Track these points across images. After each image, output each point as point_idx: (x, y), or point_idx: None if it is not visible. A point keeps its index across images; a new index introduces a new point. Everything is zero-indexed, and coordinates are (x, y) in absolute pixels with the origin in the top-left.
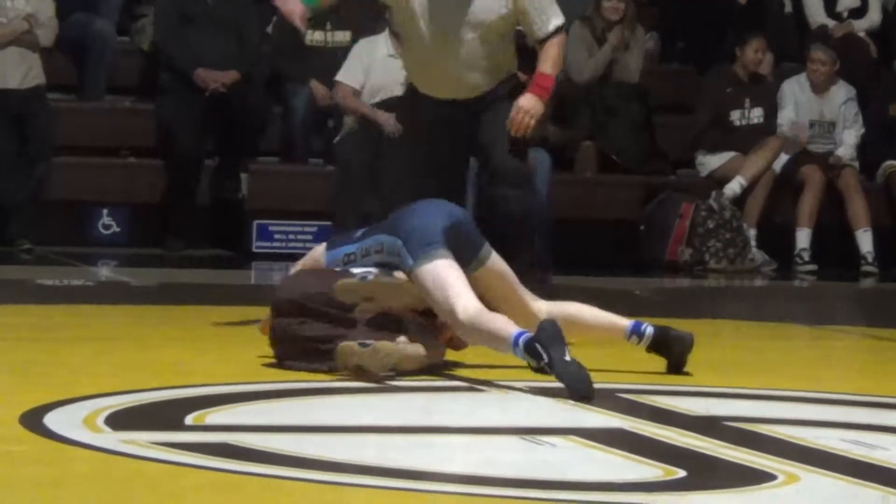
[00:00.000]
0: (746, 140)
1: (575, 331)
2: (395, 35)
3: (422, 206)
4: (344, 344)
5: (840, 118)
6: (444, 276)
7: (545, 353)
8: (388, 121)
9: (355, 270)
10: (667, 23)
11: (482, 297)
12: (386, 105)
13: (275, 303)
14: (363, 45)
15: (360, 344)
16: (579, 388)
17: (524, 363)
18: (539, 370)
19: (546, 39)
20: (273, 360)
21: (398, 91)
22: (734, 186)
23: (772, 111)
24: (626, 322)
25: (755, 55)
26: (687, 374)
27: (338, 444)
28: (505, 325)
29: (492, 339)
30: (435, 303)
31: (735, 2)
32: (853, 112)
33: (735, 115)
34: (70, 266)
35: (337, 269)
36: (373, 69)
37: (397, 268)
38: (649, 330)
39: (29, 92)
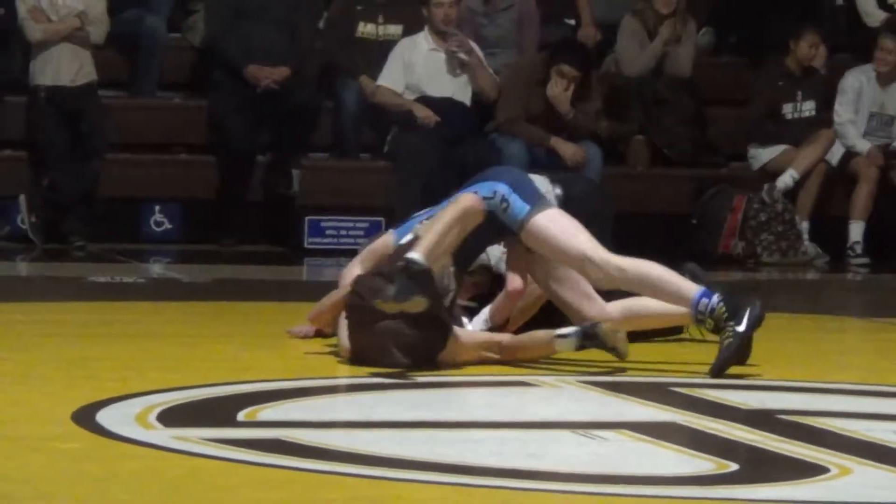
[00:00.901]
0: (798, 133)
1: (644, 289)
2: (436, 31)
3: (501, 167)
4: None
5: None
6: (570, 222)
7: (746, 318)
8: (426, 114)
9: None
10: (720, 15)
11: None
12: (427, 100)
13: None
14: (404, 43)
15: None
16: (728, 363)
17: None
18: (717, 328)
19: None
20: (324, 355)
21: (440, 85)
22: (786, 179)
23: (824, 104)
24: (693, 288)
25: (809, 50)
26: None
27: (389, 439)
28: (671, 276)
29: (652, 286)
30: (560, 247)
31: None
32: None
33: (787, 108)
34: (122, 263)
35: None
36: (414, 66)
37: (492, 223)
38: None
39: (81, 89)
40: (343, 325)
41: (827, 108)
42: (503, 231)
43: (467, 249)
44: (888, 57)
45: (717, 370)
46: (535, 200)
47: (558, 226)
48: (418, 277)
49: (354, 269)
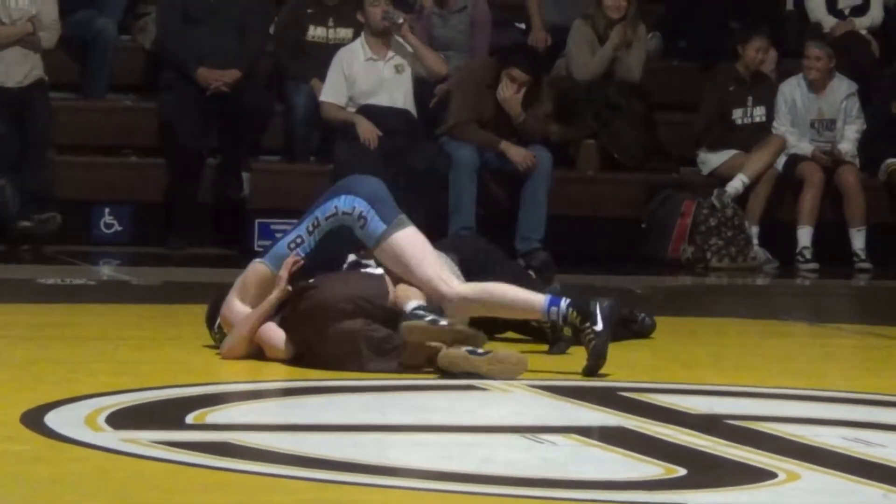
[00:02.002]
0: (749, 138)
1: (497, 310)
2: (374, 36)
3: (359, 177)
4: (450, 351)
5: (841, 114)
6: (424, 247)
7: (598, 316)
8: (367, 132)
9: (425, 314)
10: (669, 20)
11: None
12: (370, 109)
13: (325, 307)
14: (341, 55)
15: (470, 351)
16: (599, 363)
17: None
18: (577, 332)
19: None
20: (270, 360)
21: (381, 95)
22: (736, 184)
23: (771, 109)
24: (541, 300)
25: (756, 54)
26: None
27: (337, 442)
28: (517, 292)
29: (509, 306)
30: (412, 271)
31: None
32: (855, 107)
33: (737, 114)
34: (72, 265)
35: (352, 263)
36: (354, 76)
37: (350, 231)
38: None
39: (29, 89)
40: (272, 332)
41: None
42: (359, 243)
43: (326, 260)
44: (816, 64)
45: (590, 371)
46: (392, 218)
47: (411, 249)
48: None
49: (235, 305)
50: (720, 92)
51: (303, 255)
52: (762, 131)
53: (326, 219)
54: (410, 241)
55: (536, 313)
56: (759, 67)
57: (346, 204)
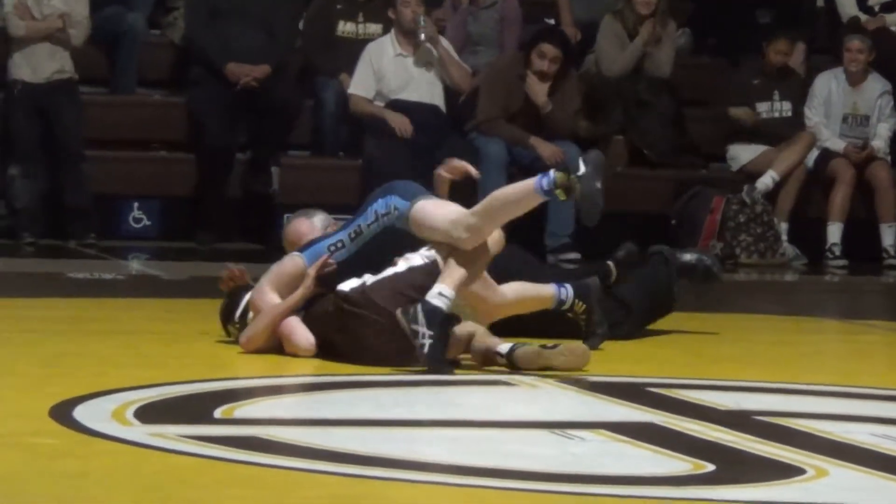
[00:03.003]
0: (775, 132)
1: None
2: (403, 32)
3: (398, 181)
4: (527, 348)
5: (875, 111)
6: (443, 202)
7: (583, 163)
8: (401, 124)
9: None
10: (699, 17)
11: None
12: (399, 105)
13: (366, 304)
14: (371, 49)
15: (542, 346)
16: (592, 210)
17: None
18: (568, 188)
19: None
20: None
21: (410, 91)
22: (766, 181)
23: (801, 104)
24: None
25: (776, 56)
26: None
27: (366, 437)
28: (515, 185)
29: (509, 203)
30: (436, 225)
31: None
32: (889, 106)
33: (763, 108)
34: (101, 259)
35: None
36: (383, 72)
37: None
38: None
39: (58, 85)
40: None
41: (800, 110)
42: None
43: (377, 263)
44: (859, 56)
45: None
46: (419, 195)
47: (432, 205)
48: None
49: (266, 292)
50: (745, 85)
51: (341, 259)
52: (789, 126)
53: (368, 226)
54: (431, 203)
55: (531, 194)
56: (785, 63)
57: (382, 206)
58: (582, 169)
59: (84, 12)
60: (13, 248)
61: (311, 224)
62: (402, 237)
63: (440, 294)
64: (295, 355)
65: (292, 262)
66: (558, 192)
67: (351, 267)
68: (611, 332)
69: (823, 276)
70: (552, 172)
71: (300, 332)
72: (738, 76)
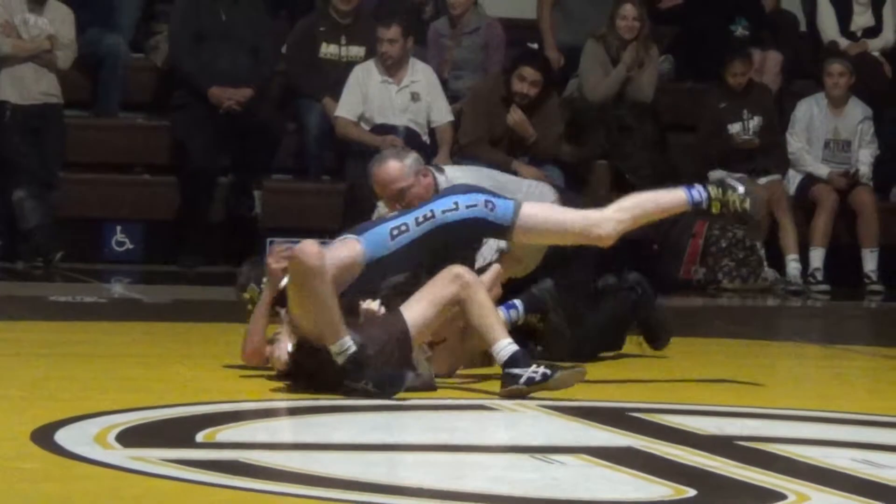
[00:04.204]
0: (753, 152)
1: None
2: (384, 61)
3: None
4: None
5: (857, 136)
6: (555, 207)
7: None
8: (391, 142)
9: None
10: (681, 41)
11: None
12: (383, 130)
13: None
14: (358, 72)
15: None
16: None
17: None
18: (724, 203)
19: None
20: (281, 379)
21: (392, 117)
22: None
23: (771, 116)
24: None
25: (734, 79)
26: None
27: (347, 461)
28: (658, 194)
29: (658, 208)
30: (564, 227)
31: (750, 20)
32: (870, 131)
33: (735, 128)
34: (83, 283)
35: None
36: (369, 96)
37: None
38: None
39: (45, 109)
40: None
41: (775, 120)
42: (484, 235)
43: (445, 256)
44: (839, 80)
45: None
46: (520, 196)
47: (547, 208)
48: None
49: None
50: (713, 111)
51: (400, 244)
52: (765, 143)
53: (443, 212)
54: (540, 206)
55: (683, 205)
56: (745, 81)
57: (468, 199)
58: (740, 189)
59: (71, 35)
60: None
61: (402, 168)
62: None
63: (337, 355)
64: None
65: (348, 248)
66: (714, 204)
67: (396, 262)
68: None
69: (806, 301)
70: (704, 187)
71: (282, 346)
72: (707, 103)
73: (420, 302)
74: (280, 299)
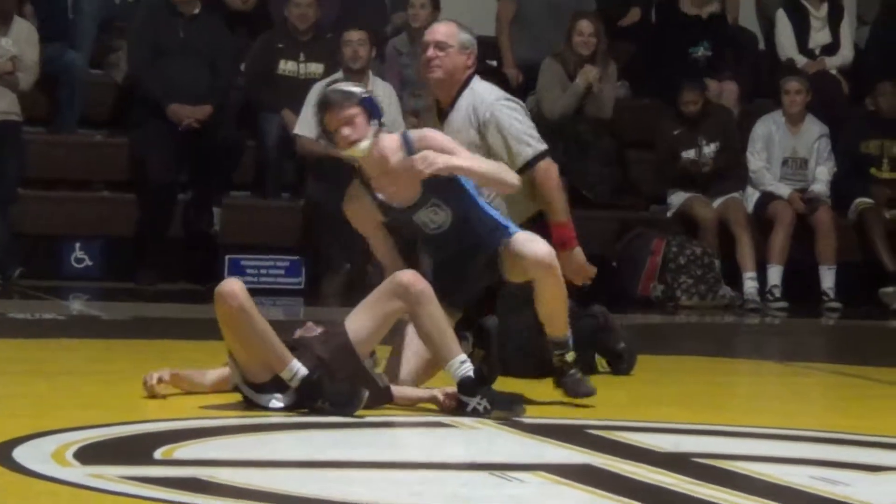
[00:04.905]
0: (709, 175)
1: None
2: (351, 74)
3: None
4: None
5: (814, 154)
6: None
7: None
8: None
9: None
10: (638, 59)
11: None
12: None
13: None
14: (317, 89)
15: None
16: None
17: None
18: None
19: (524, 169)
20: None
21: None
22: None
23: (730, 138)
24: None
25: (687, 107)
26: None
27: (306, 478)
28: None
29: None
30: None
31: (713, 40)
32: (827, 149)
33: (690, 154)
34: (42, 300)
35: None
36: None
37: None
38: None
39: (2, 126)
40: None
41: (733, 143)
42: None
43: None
44: (796, 98)
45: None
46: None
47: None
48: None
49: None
50: (667, 137)
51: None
52: (724, 163)
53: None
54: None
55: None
56: (699, 109)
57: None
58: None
59: (34, 57)
60: None
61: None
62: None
63: (289, 381)
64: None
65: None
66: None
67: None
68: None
69: (764, 318)
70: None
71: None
72: (661, 128)
73: (363, 314)
74: None
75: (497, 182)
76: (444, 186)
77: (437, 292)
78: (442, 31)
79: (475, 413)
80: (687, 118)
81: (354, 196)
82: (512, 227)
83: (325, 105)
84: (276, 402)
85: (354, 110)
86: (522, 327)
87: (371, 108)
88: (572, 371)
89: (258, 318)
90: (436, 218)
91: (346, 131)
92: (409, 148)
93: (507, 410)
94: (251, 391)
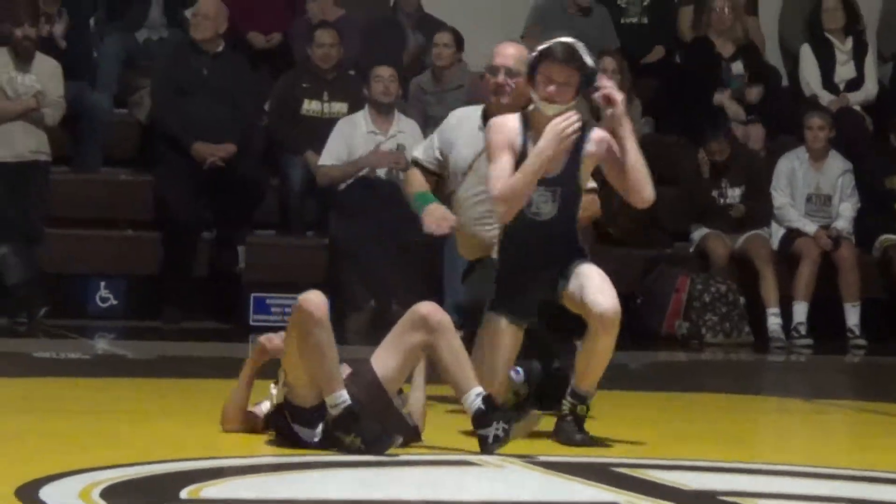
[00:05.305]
0: (732, 217)
1: None
2: (376, 107)
3: None
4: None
5: (837, 191)
6: None
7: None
8: (392, 158)
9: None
10: (661, 96)
11: None
12: (367, 182)
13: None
14: (343, 125)
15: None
16: None
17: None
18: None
19: None
20: (269, 435)
21: (379, 169)
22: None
23: (758, 181)
24: None
25: (712, 156)
26: None
27: None
28: None
29: None
30: None
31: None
32: (850, 185)
33: (714, 195)
34: (67, 339)
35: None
36: (354, 147)
37: None
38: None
39: (31, 164)
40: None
41: (758, 189)
42: None
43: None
44: (819, 133)
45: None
46: None
47: None
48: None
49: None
50: (692, 180)
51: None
52: (750, 205)
53: None
54: None
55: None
56: (725, 157)
57: None
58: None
59: (59, 91)
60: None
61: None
62: None
63: (332, 407)
64: None
65: None
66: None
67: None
68: None
69: (789, 355)
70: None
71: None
72: (686, 169)
73: (387, 350)
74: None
75: (642, 181)
76: (569, 182)
77: (498, 294)
78: (512, 55)
79: (497, 440)
80: (713, 164)
81: (511, 121)
82: (587, 255)
83: (558, 56)
84: (309, 434)
85: (575, 78)
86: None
87: (586, 83)
88: (570, 418)
89: (329, 337)
90: (544, 206)
91: (553, 89)
92: (584, 135)
93: (526, 421)
94: (290, 412)
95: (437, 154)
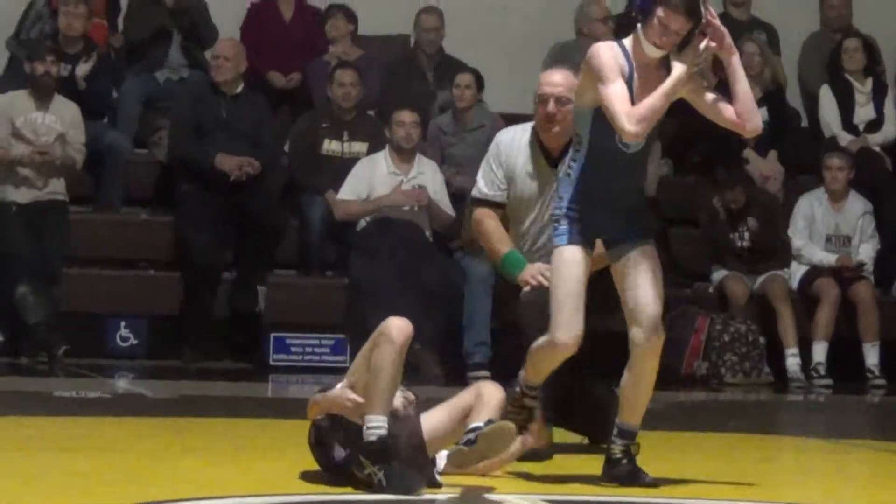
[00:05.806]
0: (749, 257)
1: None
2: (396, 150)
3: None
4: (455, 449)
5: (857, 231)
6: None
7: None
8: (415, 196)
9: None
10: (680, 135)
11: None
12: (386, 222)
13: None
14: (364, 163)
15: (465, 444)
16: None
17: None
18: None
19: None
20: (288, 471)
21: (397, 209)
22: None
23: (773, 222)
24: None
25: (730, 204)
26: None
27: None
28: None
29: None
30: None
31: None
32: (871, 226)
33: (732, 237)
34: (87, 378)
35: None
36: (375, 186)
37: None
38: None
39: (49, 205)
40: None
41: (772, 226)
42: None
43: None
44: (838, 174)
45: None
46: None
47: None
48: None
49: None
50: (710, 224)
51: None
52: (766, 246)
53: None
54: None
55: None
56: (747, 199)
57: None
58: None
59: (81, 138)
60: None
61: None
62: None
63: (369, 428)
64: None
65: None
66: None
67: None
68: None
69: (808, 395)
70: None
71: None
72: (705, 210)
73: (439, 410)
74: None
75: (753, 109)
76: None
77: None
78: (561, 83)
79: (369, 479)
80: (729, 209)
81: (614, 47)
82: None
83: (680, 7)
84: (340, 452)
85: (687, 28)
86: None
87: (697, 34)
88: (625, 461)
89: (397, 359)
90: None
91: (666, 38)
92: None
93: (404, 487)
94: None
95: (502, 182)
